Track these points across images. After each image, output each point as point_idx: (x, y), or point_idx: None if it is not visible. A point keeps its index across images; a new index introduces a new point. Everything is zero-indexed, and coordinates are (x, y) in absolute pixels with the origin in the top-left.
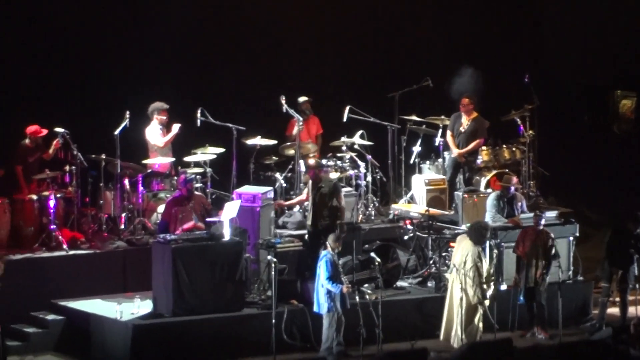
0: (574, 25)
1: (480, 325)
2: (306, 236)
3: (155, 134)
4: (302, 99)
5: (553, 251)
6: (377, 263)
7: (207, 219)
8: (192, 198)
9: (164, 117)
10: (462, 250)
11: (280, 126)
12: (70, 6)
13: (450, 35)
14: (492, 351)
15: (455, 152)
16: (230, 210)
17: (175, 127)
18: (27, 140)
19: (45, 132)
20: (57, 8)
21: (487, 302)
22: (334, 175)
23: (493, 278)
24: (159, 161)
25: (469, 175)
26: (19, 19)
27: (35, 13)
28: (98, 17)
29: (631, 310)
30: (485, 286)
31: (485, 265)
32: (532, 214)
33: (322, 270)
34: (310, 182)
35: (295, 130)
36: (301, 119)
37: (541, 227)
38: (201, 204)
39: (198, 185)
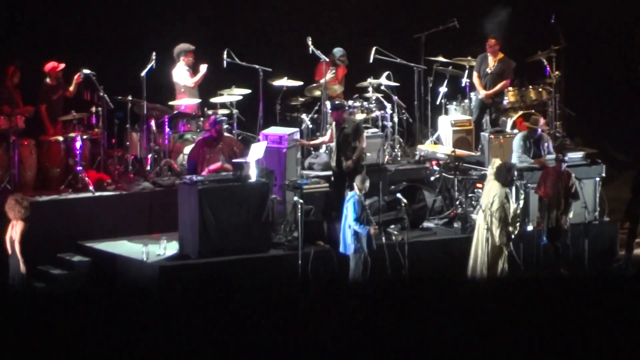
0: None
1: (506, 265)
2: (331, 177)
3: (183, 75)
4: (340, 51)
5: (573, 191)
6: (403, 204)
7: (234, 160)
8: (221, 139)
9: (191, 59)
10: (490, 191)
11: (307, 67)
12: None
13: None
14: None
15: (482, 93)
16: (256, 151)
17: (203, 68)
18: (47, 79)
19: (62, 65)
20: None
21: (511, 245)
22: (360, 116)
23: (519, 219)
24: (185, 102)
25: (495, 116)
26: None
27: None
28: None
29: None
30: (511, 228)
31: (513, 206)
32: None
33: (349, 212)
34: (334, 123)
35: (328, 76)
36: (327, 59)
37: (563, 169)
38: (230, 146)
39: (225, 126)
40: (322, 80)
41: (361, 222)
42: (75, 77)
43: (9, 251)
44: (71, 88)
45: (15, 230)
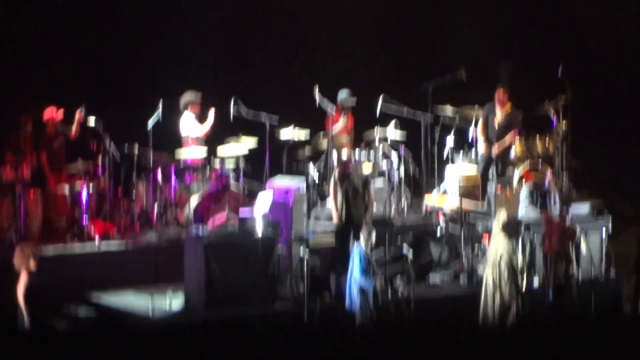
0: (609, 14)
1: (515, 320)
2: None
3: (191, 125)
4: (344, 93)
5: (582, 246)
6: (409, 257)
7: (240, 214)
8: (226, 192)
9: (197, 108)
10: (497, 244)
11: (314, 117)
12: None
13: (484, 26)
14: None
15: (481, 147)
16: (263, 202)
17: (211, 113)
18: (47, 127)
19: (60, 113)
20: None
21: (520, 299)
22: (366, 166)
23: (525, 272)
24: (192, 153)
25: (501, 167)
26: (52, 10)
27: (68, 2)
28: (132, 6)
29: None
30: (519, 281)
31: (519, 260)
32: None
33: (355, 265)
34: (336, 176)
35: (340, 123)
36: (333, 112)
37: (567, 223)
38: (236, 198)
39: (231, 174)
40: (338, 126)
41: (367, 275)
42: (77, 115)
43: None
44: (73, 128)
45: (19, 281)
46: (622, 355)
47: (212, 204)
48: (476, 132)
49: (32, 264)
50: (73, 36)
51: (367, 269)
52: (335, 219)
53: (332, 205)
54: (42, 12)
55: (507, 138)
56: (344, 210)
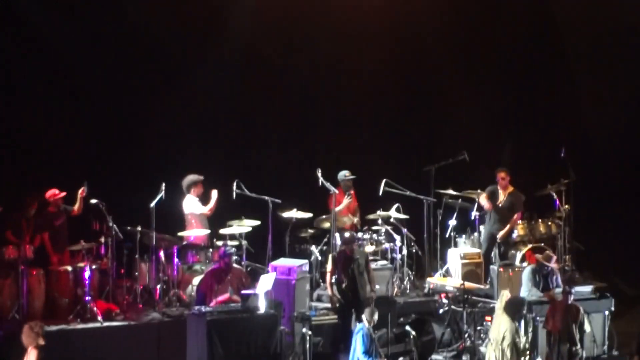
0: (611, 98)
1: None
2: (333, 310)
3: (195, 205)
4: (348, 175)
5: (586, 325)
6: (412, 336)
7: (243, 292)
8: (229, 271)
9: (200, 189)
10: (500, 325)
11: (316, 199)
12: (106, 76)
13: (486, 110)
14: None
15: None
16: (265, 282)
17: (214, 194)
18: (49, 207)
19: (62, 194)
20: (92, 78)
21: None
22: (369, 248)
23: (528, 352)
24: (194, 233)
25: (504, 249)
26: (56, 91)
27: (71, 83)
28: (134, 88)
29: None
30: None
31: (523, 340)
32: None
33: (358, 344)
34: (336, 257)
35: (344, 203)
36: (336, 191)
37: (570, 302)
38: (239, 278)
39: (234, 257)
40: (341, 206)
41: (370, 355)
42: (79, 192)
43: None
44: (76, 206)
45: (29, 358)
46: None
47: (214, 283)
48: (479, 199)
49: (42, 340)
50: (76, 118)
51: (370, 349)
52: (332, 300)
53: (330, 285)
54: (46, 94)
55: (511, 222)
56: (350, 290)
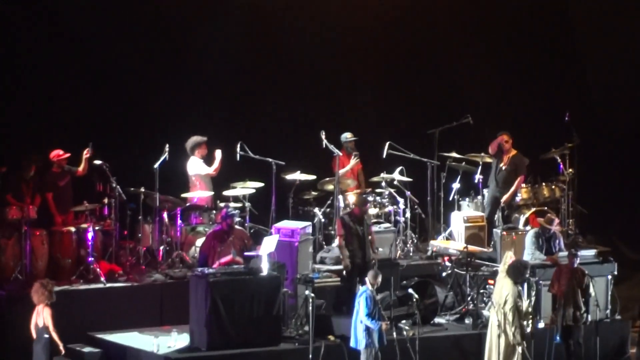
0: (616, 63)
1: None
2: (344, 272)
3: (199, 166)
4: (350, 137)
5: (591, 289)
6: (414, 299)
7: (246, 253)
8: (232, 232)
9: (204, 151)
10: (502, 289)
11: (320, 161)
12: (111, 41)
13: (491, 73)
14: None
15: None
16: (268, 244)
17: (218, 154)
18: (53, 167)
19: (67, 155)
20: (98, 41)
21: (524, 343)
22: (372, 210)
23: (531, 316)
24: (198, 195)
25: (507, 212)
26: (62, 53)
27: (77, 47)
28: (139, 50)
29: None
30: (524, 325)
31: (525, 304)
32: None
33: (361, 307)
34: (348, 218)
35: (351, 163)
36: (340, 153)
37: (576, 266)
38: (241, 239)
39: (237, 219)
40: (347, 168)
41: (373, 318)
42: (84, 153)
43: (34, 337)
44: (80, 167)
45: (41, 317)
46: None
47: (217, 245)
48: (484, 177)
49: (53, 298)
50: (81, 80)
51: (373, 311)
52: (346, 262)
53: (342, 248)
54: (50, 55)
55: (514, 186)
56: (359, 251)
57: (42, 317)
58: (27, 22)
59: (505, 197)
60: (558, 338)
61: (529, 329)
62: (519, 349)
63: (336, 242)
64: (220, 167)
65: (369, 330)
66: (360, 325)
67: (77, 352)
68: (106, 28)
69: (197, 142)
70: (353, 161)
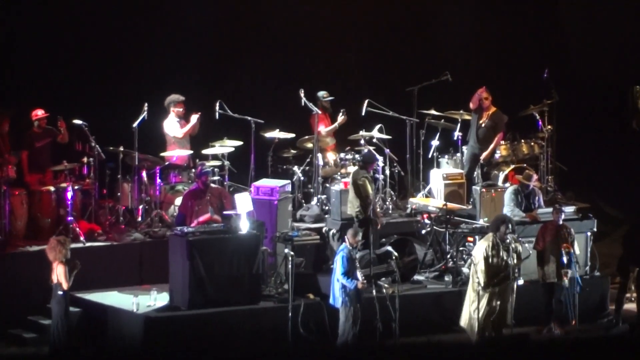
0: (594, 21)
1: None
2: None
3: (173, 125)
4: (326, 96)
5: (575, 246)
6: (394, 257)
7: (225, 212)
8: (208, 190)
9: (181, 109)
10: (480, 244)
11: (299, 119)
12: (91, 1)
13: (469, 30)
14: (508, 345)
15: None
16: (242, 202)
17: (194, 118)
18: (34, 126)
19: (45, 115)
20: (78, 3)
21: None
22: (351, 168)
23: (511, 271)
24: (176, 154)
25: (486, 169)
26: (39, 12)
27: (55, 5)
28: (117, 9)
29: None
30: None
31: (506, 259)
32: (550, 209)
33: (337, 265)
34: (367, 175)
35: (338, 120)
36: (319, 111)
37: (561, 222)
38: (218, 197)
39: (216, 177)
40: (329, 127)
41: (349, 277)
42: (58, 123)
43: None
44: (60, 136)
45: (55, 274)
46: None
47: (194, 204)
48: (463, 134)
49: (69, 254)
50: (61, 40)
51: (349, 270)
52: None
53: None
54: (30, 16)
55: (494, 143)
56: (373, 207)
57: (55, 274)
58: None
59: (484, 155)
60: (579, 289)
61: (515, 286)
62: (484, 298)
63: (315, 200)
64: (194, 130)
65: (346, 288)
66: (337, 284)
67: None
68: None
69: (173, 100)
70: (340, 118)
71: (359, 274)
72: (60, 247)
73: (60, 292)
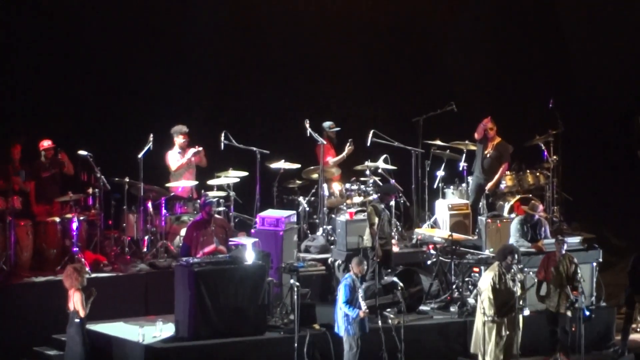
0: (599, 50)
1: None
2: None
3: (171, 157)
4: (332, 127)
5: (579, 275)
6: (399, 287)
7: (231, 242)
8: (212, 221)
9: (183, 140)
10: (486, 275)
11: (304, 150)
12: (96, 29)
13: (475, 60)
14: None
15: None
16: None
17: (190, 152)
18: (41, 157)
19: (46, 144)
20: (82, 31)
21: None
22: (357, 199)
23: (522, 304)
24: (182, 184)
25: (492, 200)
26: (46, 42)
27: (62, 35)
28: (123, 40)
29: None
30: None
31: (510, 284)
32: (554, 240)
33: (340, 294)
34: (379, 206)
35: (346, 151)
36: (324, 142)
37: (564, 252)
38: (222, 228)
39: (221, 208)
40: (337, 157)
41: (351, 305)
42: (59, 156)
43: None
44: (65, 167)
45: (72, 301)
46: None
47: (199, 235)
48: (469, 164)
49: (85, 282)
50: (66, 69)
51: (350, 299)
52: (379, 252)
53: (375, 236)
54: (35, 45)
55: (499, 173)
56: (390, 239)
57: (72, 301)
58: (10, 8)
59: (489, 185)
60: (587, 313)
61: (521, 317)
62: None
63: (320, 230)
64: (200, 162)
65: (349, 317)
66: (340, 312)
67: (62, 342)
68: (90, 17)
69: (176, 130)
70: (348, 148)
71: (362, 303)
72: (76, 274)
73: (77, 320)
